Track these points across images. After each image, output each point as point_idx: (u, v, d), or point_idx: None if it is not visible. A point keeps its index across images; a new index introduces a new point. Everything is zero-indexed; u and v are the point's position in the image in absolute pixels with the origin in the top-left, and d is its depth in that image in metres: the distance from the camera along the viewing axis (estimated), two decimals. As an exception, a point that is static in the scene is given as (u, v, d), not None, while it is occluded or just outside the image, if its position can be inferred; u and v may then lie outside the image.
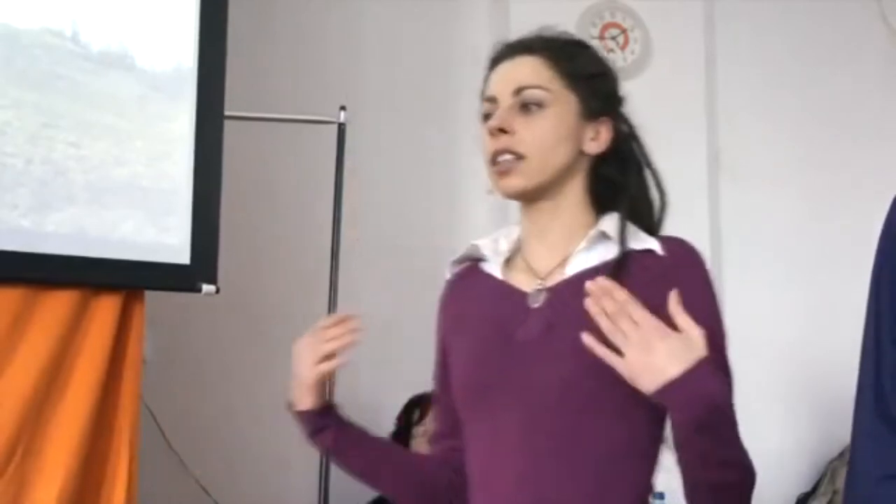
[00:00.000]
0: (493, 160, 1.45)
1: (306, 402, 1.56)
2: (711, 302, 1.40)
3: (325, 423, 1.56)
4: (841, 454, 3.47)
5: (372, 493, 3.21)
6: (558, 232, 1.46)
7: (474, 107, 4.20)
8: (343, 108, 3.11)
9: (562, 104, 1.44)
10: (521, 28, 3.88)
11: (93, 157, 2.44)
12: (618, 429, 1.35)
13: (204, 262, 2.56)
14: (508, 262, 1.51)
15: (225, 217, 2.62)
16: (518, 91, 1.45)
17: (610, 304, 1.25)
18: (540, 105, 1.43)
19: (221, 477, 3.19)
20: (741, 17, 3.83)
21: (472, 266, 1.55)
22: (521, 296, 1.45)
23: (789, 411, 3.61)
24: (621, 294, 1.25)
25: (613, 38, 3.68)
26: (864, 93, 3.80)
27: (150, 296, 2.55)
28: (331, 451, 1.59)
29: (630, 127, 1.52)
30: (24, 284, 2.33)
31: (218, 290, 2.57)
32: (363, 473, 1.59)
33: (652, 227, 1.48)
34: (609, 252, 1.41)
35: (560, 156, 1.43)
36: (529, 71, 1.45)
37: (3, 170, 2.32)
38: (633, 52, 3.66)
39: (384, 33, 3.65)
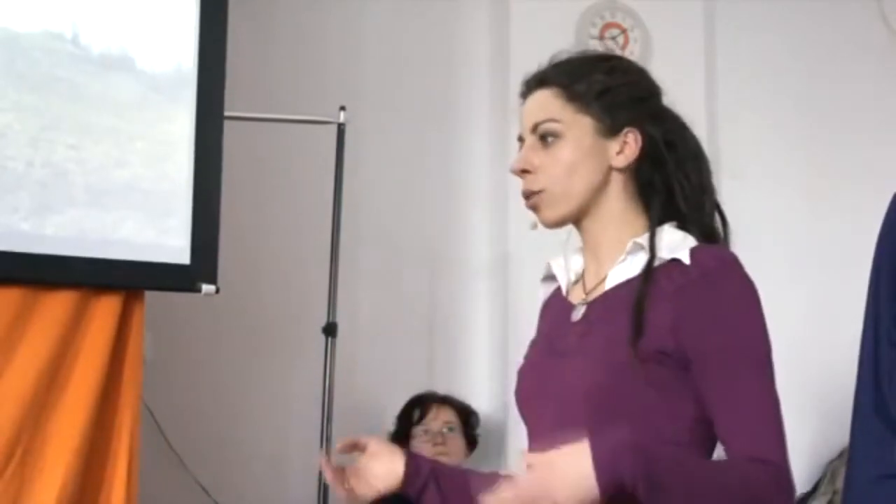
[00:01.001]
0: (526, 198, 1.49)
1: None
2: (734, 317, 1.37)
3: (421, 486, 1.55)
4: (841, 454, 3.47)
5: (372, 494, 3.21)
6: (607, 246, 1.48)
7: (474, 107, 4.21)
8: (343, 108, 3.11)
9: (575, 130, 1.46)
10: (521, 28, 3.90)
11: (93, 160, 2.45)
12: (644, 439, 1.33)
13: (204, 263, 2.56)
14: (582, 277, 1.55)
15: (225, 217, 2.62)
16: (535, 128, 1.48)
17: None
18: (555, 136, 1.46)
19: (221, 477, 3.19)
20: (741, 17, 3.82)
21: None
22: (571, 310, 1.49)
23: (789, 411, 3.59)
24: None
25: (613, 38, 3.68)
26: (864, 93, 3.79)
27: (151, 296, 2.55)
28: None
29: (667, 124, 1.52)
30: (24, 285, 2.33)
31: (218, 290, 2.57)
32: None
33: (707, 231, 1.48)
34: (644, 263, 1.42)
35: (583, 179, 1.45)
36: (542, 105, 1.48)
37: (4, 173, 2.32)
38: (632, 53, 3.65)
39: (384, 34, 3.65)
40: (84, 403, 2.36)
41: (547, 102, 1.48)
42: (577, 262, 1.56)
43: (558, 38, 3.66)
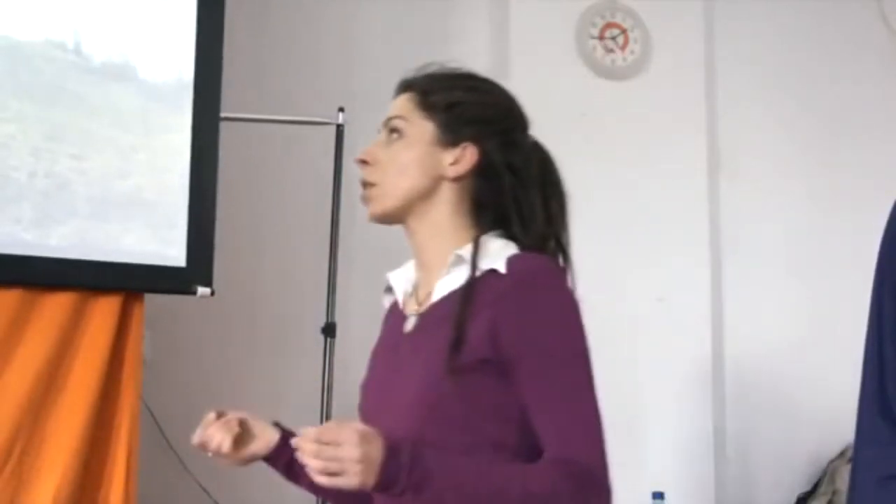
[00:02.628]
0: (362, 188, 1.54)
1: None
2: (546, 321, 1.40)
3: (286, 464, 1.58)
4: (841, 454, 3.47)
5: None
6: (433, 257, 1.51)
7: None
8: (341, 109, 3.11)
9: (416, 131, 1.51)
10: (521, 28, 3.90)
11: (95, 170, 2.44)
12: (473, 445, 1.38)
13: (199, 265, 2.56)
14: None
15: (224, 218, 2.61)
16: (386, 123, 1.55)
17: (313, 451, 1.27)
18: (399, 134, 1.52)
19: (221, 477, 3.19)
20: (741, 17, 3.82)
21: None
22: (404, 322, 1.52)
23: (789, 411, 3.61)
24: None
25: (613, 38, 3.68)
26: (864, 93, 3.79)
27: (150, 296, 2.55)
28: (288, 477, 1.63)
29: (517, 152, 1.52)
30: (24, 287, 2.33)
31: (213, 293, 2.57)
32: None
33: (540, 245, 1.49)
34: (466, 275, 1.45)
35: (409, 180, 1.50)
36: (398, 104, 1.55)
37: (7, 183, 2.32)
38: (633, 52, 3.65)
39: (382, 34, 3.65)
40: (83, 404, 2.37)
41: (403, 103, 1.54)
42: (413, 272, 1.58)
43: (558, 38, 3.71)
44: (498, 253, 1.45)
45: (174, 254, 2.54)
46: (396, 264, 3.81)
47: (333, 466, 1.25)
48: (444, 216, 1.51)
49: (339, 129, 3.11)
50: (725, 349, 3.64)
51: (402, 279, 1.60)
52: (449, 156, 1.50)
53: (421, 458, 1.29)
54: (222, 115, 2.64)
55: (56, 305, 2.36)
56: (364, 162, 1.52)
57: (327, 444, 1.25)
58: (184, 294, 2.56)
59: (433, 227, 1.51)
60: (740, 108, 3.77)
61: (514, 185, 1.50)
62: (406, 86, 1.57)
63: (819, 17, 3.81)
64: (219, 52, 2.63)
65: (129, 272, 2.46)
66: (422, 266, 1.54)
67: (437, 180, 1.50)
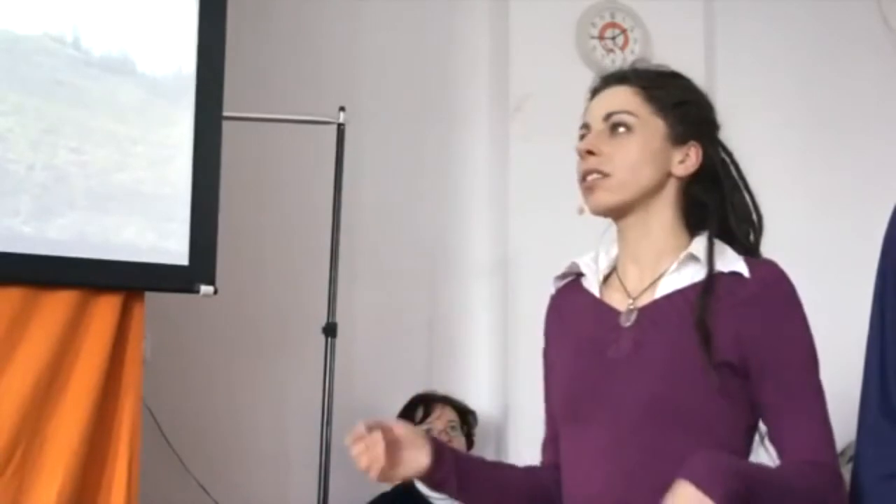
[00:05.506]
0: (583, 179, 1.53)
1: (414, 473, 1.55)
2: (794, 329, 1.47)
3: (443, 476, 1.56)
4: (841, 453, 3.45)
5: (371, 494, 3.21)
6: (650, 253, 1.53)
7: (473, 108, 4.19)
8: (342, 108, 3.10)
9: (648, 128, 1.52)
10: (520, 28, 3.89)
11: (94, 163, 2.44)
12: (704, 445, 1.39)
13: (202, 264, 2.56)
14: (606, 279, 1.59)
15: (225, 217, 2.62)
16: (608, 117, 1.53)
17: None
18: (628, 128, 1.51)
19: (221, 477, 3.19)
20: (741, 18, 3.82)
21: (574, 281, 1.63)
22: (615, 314, 1.52)
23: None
24: None
25: (613, 38, 3.68)
26: (864, 92, 3.79)
27: (151, 296, 2.55)
28: (459, 496, 1.61)
29: (724, 151, 1.59)
30: (24, 285, 2.33)
31: (216, 291, 2.57)
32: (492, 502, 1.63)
33: (750, 248, 1.55)
34: (698, 274, 1.48)
35: (645, 175, 1.51)
36: (620, 98, 1.54)
37: (5, 176, 2.31)
38: (633, 52, 3.64)
39: (383, 34, 3.65)
40: (84, 404, 2.36)
41: (626, 96, 1.54)
42: (602, 262, 1.59)
43: (558, 38, 3.70)
44: (732, 257, 1.49)
45: (173, 247, 2.53)
46: (398, 264, 3.79)
47: None
48: (667, 214, 1.53)
49: (340, 129, 3.11)
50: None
51: (592, 268, 1.60)
52: (678, 154, 1.53)
53: (731, 470, 1.30)
54: (224, 113, 2.64)
55: (57, 304, 2.36)
56: (590, 153, 1.52)
57: None
58: (187, 293, 2.56)
59: (653, 224, 1.53)
60: (740, 108, 3.76)
61: (733, 186, 1.56)
62: (619, 78, 1.57)
63: (819, 16, 3.81)
64: (221, 51, 2.63)
65: (132, 270, 2.46)
66: (632, 260, 1.55)
67: (666, 177, 1.53)
